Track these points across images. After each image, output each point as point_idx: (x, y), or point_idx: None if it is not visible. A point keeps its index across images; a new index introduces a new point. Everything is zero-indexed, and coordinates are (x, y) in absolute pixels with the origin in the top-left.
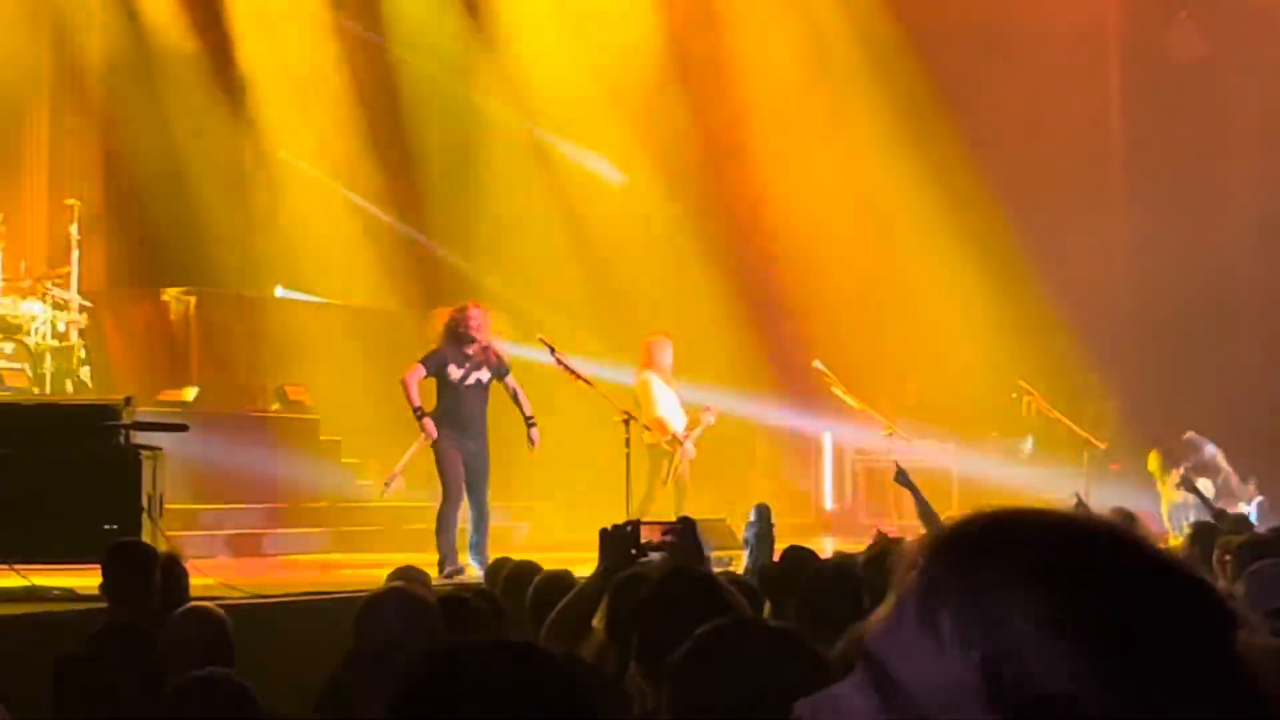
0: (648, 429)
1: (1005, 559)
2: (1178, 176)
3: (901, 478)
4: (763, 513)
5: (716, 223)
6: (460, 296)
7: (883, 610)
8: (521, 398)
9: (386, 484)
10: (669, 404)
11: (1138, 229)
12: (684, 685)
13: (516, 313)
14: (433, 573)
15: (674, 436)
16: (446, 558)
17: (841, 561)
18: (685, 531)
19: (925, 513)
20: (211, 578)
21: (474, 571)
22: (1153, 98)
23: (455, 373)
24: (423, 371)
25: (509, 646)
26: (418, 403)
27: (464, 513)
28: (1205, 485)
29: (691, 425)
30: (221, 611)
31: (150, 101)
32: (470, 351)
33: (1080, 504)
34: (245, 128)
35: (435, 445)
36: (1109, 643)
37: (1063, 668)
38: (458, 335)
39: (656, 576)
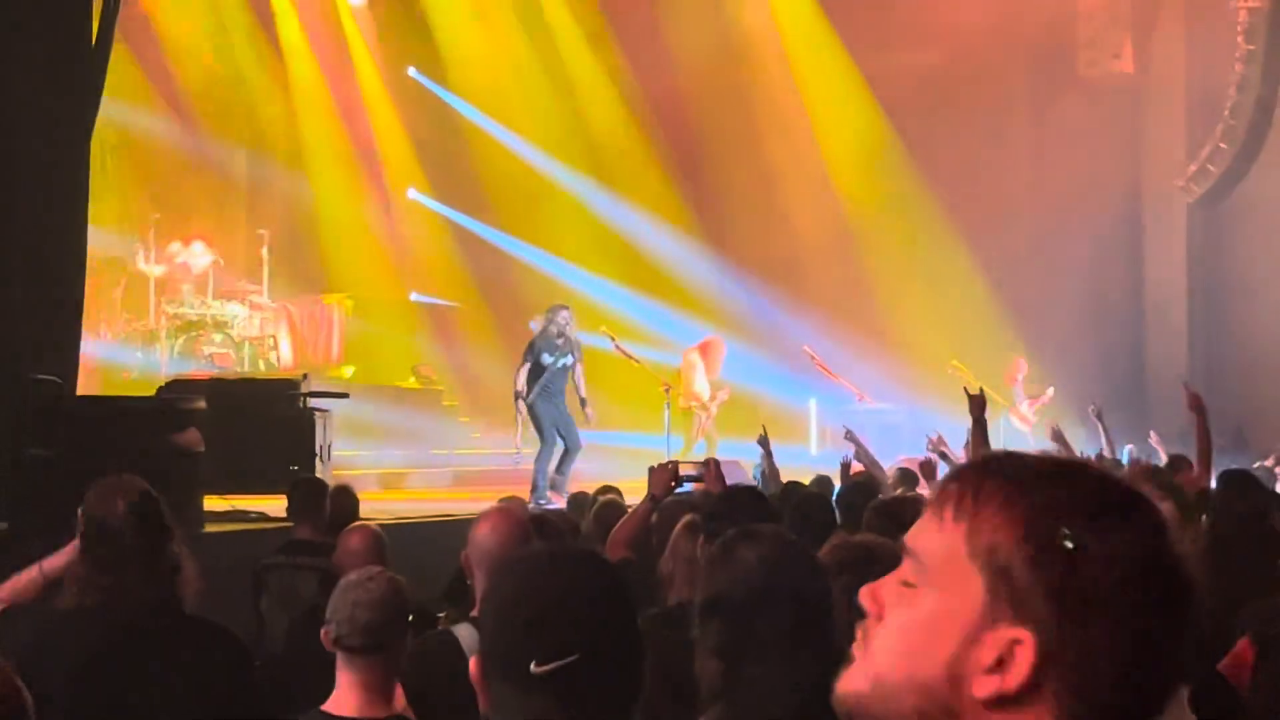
0: (681, 397)
1: (994, 476)
2: (1060, 207)
3: (850, 436)
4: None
5: (731, 244)
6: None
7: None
8: (582, 384)
9: (515, 458)
10: (700, 381)
11: (1035, 242)
12: (710, 576)
13: (585, 308)
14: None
15: (702, 403)
16: (538, 489)
17: (821, 490)
18: (713, 467)
19: (867, 459)
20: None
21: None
22: (1045, 149)
23: (547, 359)
24: (525, 367)
25: (576, 552)
26: (520, 389)
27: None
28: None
29: (713, 396)
30: (379, 529)
31: (312, 157)
32: (559, 342)
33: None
34: (385, 173)
35: (534, 408)
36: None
37: (1008, 540)
38: (549, 330)
39: (719, 490)
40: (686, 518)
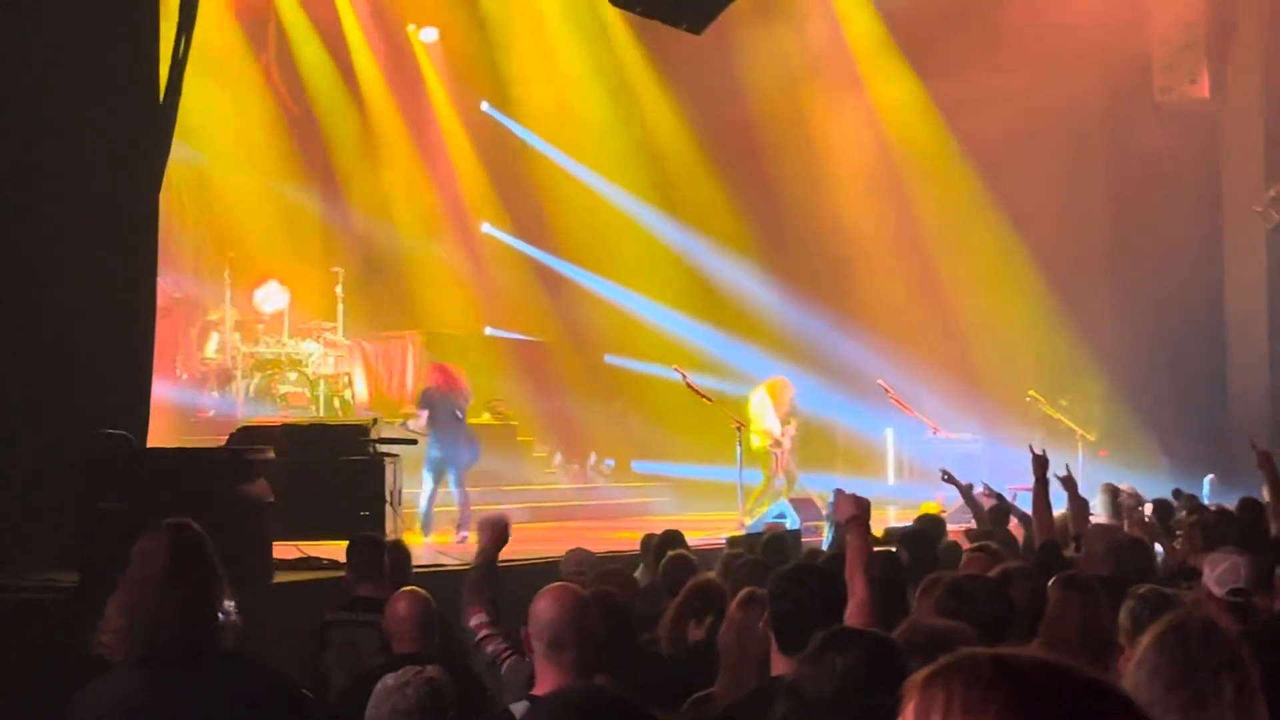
0: (756, 434)
1: (970, 679)
2: (1138, 234)
3: (947, 477)
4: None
5: (803, 277)
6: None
7: None
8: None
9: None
10: (770, 419)
11: (1113, 270)
12: (800, 664)
13: (657, 341)
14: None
15: (776, 440)
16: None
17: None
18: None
19: (970, 501)
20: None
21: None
22: (1122, 176)
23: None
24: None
25: (609, 699)
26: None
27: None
28: None
29: (784, 433)
30: (426, 596)
31: (386, 193)
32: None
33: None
34: (460, 207)
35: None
36: None
37: None
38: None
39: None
40: (745, 591)
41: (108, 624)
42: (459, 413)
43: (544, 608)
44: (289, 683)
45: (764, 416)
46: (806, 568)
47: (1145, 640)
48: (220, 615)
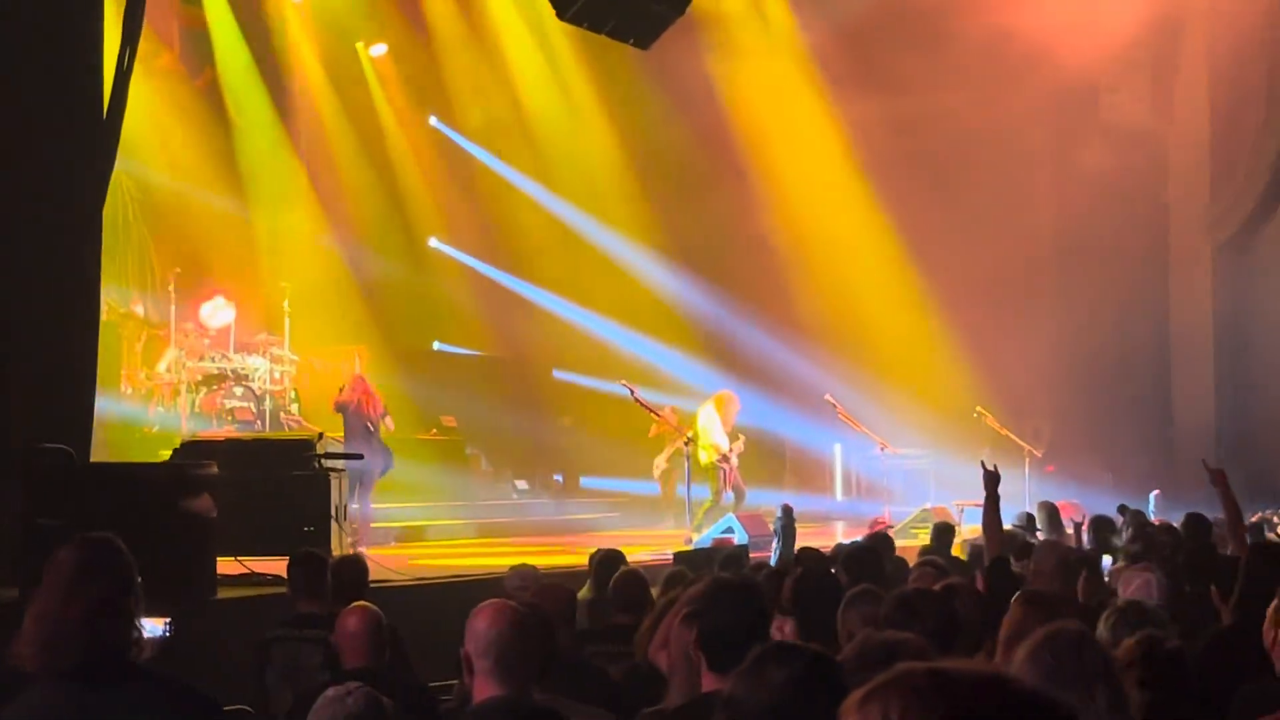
0: (704, 450)
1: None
2: (1084, 252)
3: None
4: (787, 511)
5: (750, 291)
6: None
7: None
8: None
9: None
10: (718, 434)
11: (1059, 289)
12: (737, 680)
13: (605, 355)
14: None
15: (724, 455)
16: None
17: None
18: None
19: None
20: (387, 567)
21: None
22: (1070, 212)
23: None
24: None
25: (535, 709)
26: None
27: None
28: None
29: (731, 447)
30: (378, 610)
31: (341, 208)
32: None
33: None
34: (408, 222)
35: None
36: None
37: None
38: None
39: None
40: (685, 611)
41: (22, 633)
42: (370, 425)
43: (486, 624)
44: (206, 699)
45: (712, 431)
46: (725, 583)
47: (1020, 654)
48: (136, 630)
